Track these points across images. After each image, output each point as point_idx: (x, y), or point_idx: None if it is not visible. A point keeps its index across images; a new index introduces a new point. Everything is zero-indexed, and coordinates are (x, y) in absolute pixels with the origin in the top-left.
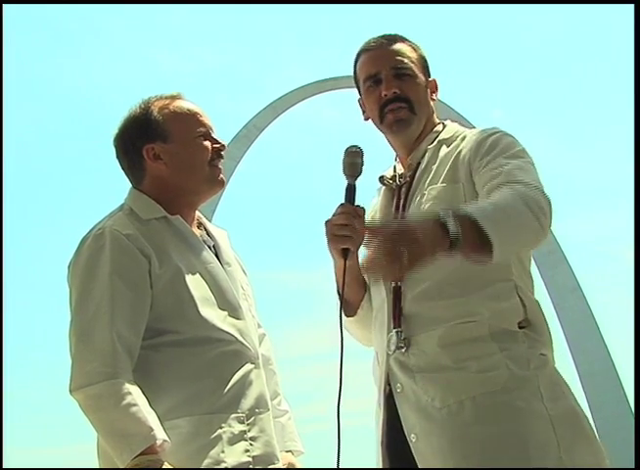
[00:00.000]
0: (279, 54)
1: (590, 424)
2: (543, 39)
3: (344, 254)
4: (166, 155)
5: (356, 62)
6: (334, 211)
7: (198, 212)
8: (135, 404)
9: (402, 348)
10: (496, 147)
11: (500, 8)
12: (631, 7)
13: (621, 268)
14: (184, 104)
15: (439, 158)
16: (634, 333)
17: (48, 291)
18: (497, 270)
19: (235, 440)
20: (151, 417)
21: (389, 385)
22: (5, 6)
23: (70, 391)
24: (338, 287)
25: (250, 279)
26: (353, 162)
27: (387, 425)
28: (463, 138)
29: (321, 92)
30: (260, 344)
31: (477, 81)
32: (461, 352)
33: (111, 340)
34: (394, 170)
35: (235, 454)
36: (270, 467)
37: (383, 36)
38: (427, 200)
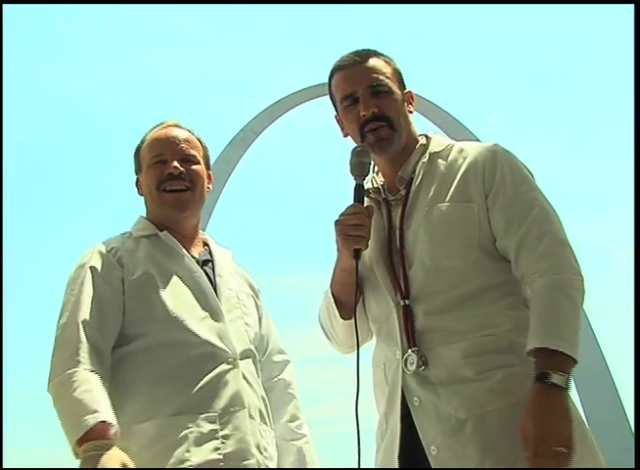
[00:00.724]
0: (276, 57)
1: (590, 433)
2: (540, 42)
3: (356, 254)
4: (142, 184)
5: (330, 80)
6: (343, 210)
7: (205, 234)
8: (88, 391)
9: (422, 366)
10: (508, 175)
11: (497, 11)
12: (631, 7)
13: (616, 274)
14: (160, 132)
15: (438, 173)
16: (634, 338)
17: (49, 291)
18: (509, 284)
19: (204, 439)
20: (102, 402)
21: (404, 398)
22: (4, 6)
23: (47, 389)
24: (333, 288)
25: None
26: (361, 161)
27: (402, 439)
28: (459, 151)
29: (318, 96)
30: (283, 370)
31: (473, 86)
32: (483, 363)
33: (76, 334)
34: (375, 183)
35: (202, 453)
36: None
37: (355, 53)
38: (437, 217)
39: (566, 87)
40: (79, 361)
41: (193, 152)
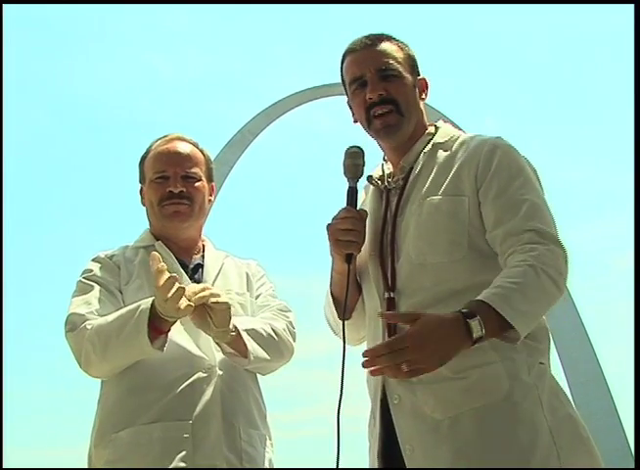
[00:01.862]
0: (274, 59)
1: (586, 430)
2: (538, 43)
3: (348, 259)
4: (145, 194)
5: (342, 64)
6: (335, 213)
7: (206, 240)
8: (114, 314)
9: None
10: (504, 168)
11: (494, 12)
12: (631, 7)
13: (614, 279)
14: (164, 146)
15: (437, 164)
16: (634, 343)
17: (49, 291)
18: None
19: (175, 447)
20: (128, 306)
21: (385, 395)
22: (4, 6)
23: (87, 374)
24: (332, 288)
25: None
26: (354, 163)
27: (382, 436)
28: (461, 144)
29: (315, 98)
30: (263, 309)
31: (468, 88)
32: (461, 361)
33: (79, 313)
34: (382, 170)
35: (172, 461)
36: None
37: (367, 37)
38: (427, 211)
39: (562, 89)
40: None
41: (194, 169)
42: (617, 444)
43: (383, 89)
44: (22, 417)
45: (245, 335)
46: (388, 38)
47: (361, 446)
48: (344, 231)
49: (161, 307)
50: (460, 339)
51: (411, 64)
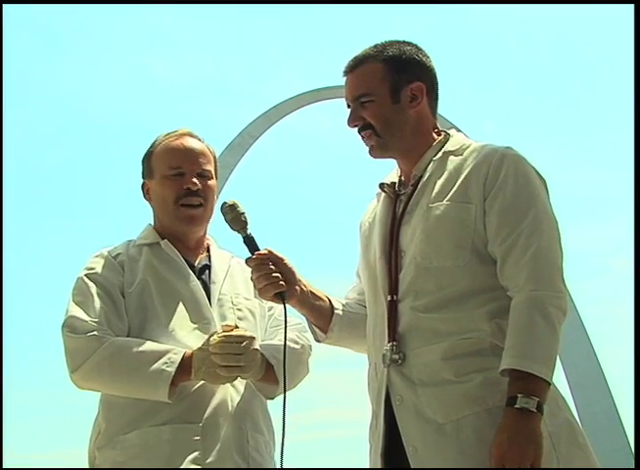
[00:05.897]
0: (274, 62)
1: (584, 436)
2: (538, 46)
3: (282, 297)
4: (151, 191)
5: None
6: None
7: (210, 239)
8: (138, 344)
9: (397, 361)
10: (510, 180)
11: (493, 12)
12: (631, 7)
13: (613, 282)
14: (176, 142)
15: (446, 171)
16: (634, 342)
17: (49, 291)
18: (497, 289)
19: (185, 449)
20: (156, 345)
21: (389, 396)
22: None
23: (74, 381)
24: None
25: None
26: (234, 217)
27: (386, 436)
28: (472, 151)
29: (316, 101)
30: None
31: (467, 92)
32: (463, 365)
33: (82, 318)
34: (396, 176)
35: (182, 463)
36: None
37: (350, 61)
38: (434, 216)
39: (562, 92)
40: (103, 335)
41: (208, 167)
42: (617, 444)
43: (359, 118)
44: (19, 420)
45: (278, 371)
46: (368, 57)
47: (353, 449)
48: (259, 278)
49: (204, 371)
50: (526, 423)
51: (392, 79)
